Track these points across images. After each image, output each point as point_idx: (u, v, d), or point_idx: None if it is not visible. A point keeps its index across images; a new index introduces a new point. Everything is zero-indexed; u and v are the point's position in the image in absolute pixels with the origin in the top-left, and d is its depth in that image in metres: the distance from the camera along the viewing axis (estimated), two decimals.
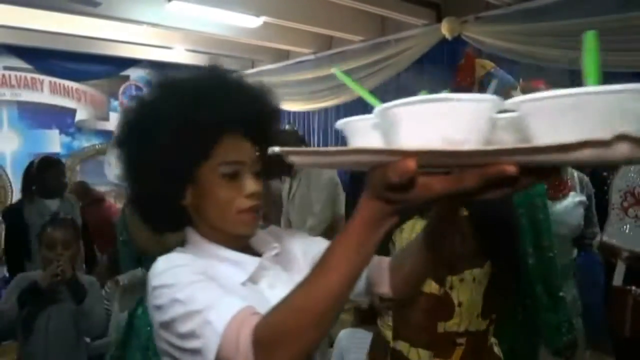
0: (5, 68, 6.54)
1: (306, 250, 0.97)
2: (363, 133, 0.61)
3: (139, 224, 1.00)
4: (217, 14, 4.99)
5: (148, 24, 5.25)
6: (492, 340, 1.45)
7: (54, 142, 6.89)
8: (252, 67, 7.54)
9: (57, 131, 6.95)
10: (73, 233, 2.27)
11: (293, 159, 0.60)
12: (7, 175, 6.34)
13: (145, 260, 1.82)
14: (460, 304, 1.37)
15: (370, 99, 0.62)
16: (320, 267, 0.63)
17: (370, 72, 5.47)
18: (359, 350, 1.90)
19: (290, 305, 0.65)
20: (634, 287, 1.95)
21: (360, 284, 0.93)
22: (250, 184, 0.88)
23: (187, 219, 0.92)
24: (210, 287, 0.76)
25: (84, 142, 7.03)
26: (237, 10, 4.94)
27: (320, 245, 0.91)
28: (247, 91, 0.95)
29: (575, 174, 2.45)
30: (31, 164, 3.41)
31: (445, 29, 4.61)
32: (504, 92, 1.60)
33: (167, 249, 0.86)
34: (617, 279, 2.02)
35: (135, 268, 2.03)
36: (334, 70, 0.70)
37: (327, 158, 0.61)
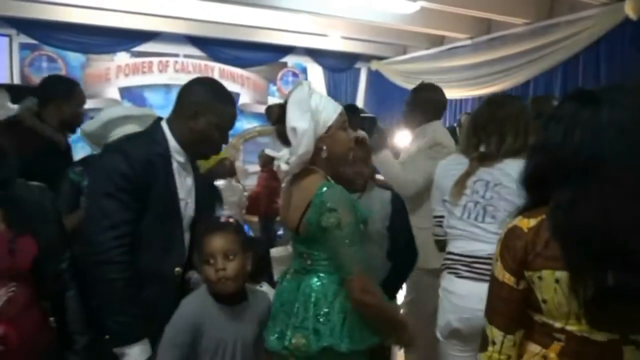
0: (185, 56, 7.36)
1: None
2: None
3: None
4: (375, 1, 5.00)
5: (307, 12, 5.48)
6: None
7: None
8: (404, 53, 7.45)
9: None
10: None
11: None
12: None
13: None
14: None
15: None
16: None
17: (534, 58, 5.04)
18: None
19: None
20: None
21: None
22: None
23: None
24: None
25: (245, 124, 7.63)
26: None
27: None
28: None
29: None
30: None
31: (629, 8, 4.04)
32: None
33: None
34: None
35: None
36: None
37: None
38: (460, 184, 1.88)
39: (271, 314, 1.65)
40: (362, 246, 1.54)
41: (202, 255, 1.53)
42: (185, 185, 1.69)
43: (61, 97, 2.50)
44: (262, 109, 7.72)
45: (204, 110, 1.62)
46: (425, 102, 2.82)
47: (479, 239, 1.83)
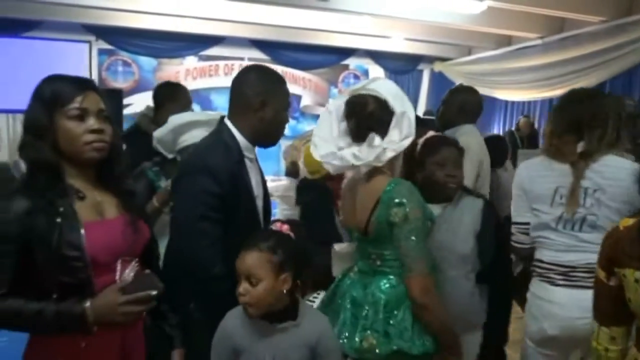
0: (250, 59, 7.54)
1: None
2: None
3: None
4: (440, 1, 4.90)
5: (370, 14, 5.46)
6: None
7: None
8: (469, 54, 7.26)
9: None
10: None
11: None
12: None
13: None
14: None
15: None
16: None
17: (610, 58, 4.76)
18: None
19: None
20: None
21: None
22: None
23: None
24: None
25: (306, 126, 7.72)
26: None
27: None
28: None
29: None
30: None
31: None
32: None
33: None
34: None
35: None
36: None
37: None
38: (574, 193, 1.69)
39: (335, 311, 1.62)
40: (428, 245, 1.51)
41: None
42: (257, 181, 1.69)
43: (168, 100, 2.68)
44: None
45: (270, 98, 1.61)
46: (460, 104, 2.75)
47: (575, 249, 1.70)
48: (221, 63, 7.44)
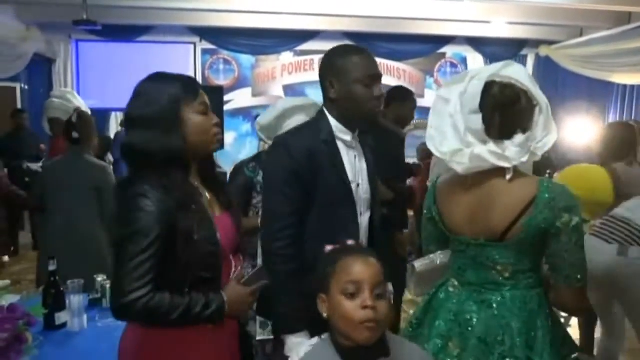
0: None
1: None
2: None
3: None
4: None
5: None
6: None
7: None
8: (580, 35, 6.68)
9: None
10: None
11: None
12: None
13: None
14: None
15: None
16: None
17: None
18: None
19: None
20: None
21: None
22: None
23: None
24: None
25: None
26: None
27: None
28: None
29: None
30: None
31: None
32: None
33: None
34: None
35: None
36: None
37: None
38: None
39: (436, 334, 1.42)
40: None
41: (328, 281, 1.12)
42: (355, 167, 1.62)
43: (398, 101, 3.12)
44: (419, 102, 7.59)
45: (333, 75, 1.55)
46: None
47: None
48: (316, 57, 7.54)
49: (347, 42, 7.30)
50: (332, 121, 1.59)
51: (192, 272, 1.22)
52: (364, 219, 1.65)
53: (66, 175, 2.72)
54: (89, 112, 3.43)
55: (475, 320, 1.37)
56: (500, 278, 1.36)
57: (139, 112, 1.25)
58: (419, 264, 1.70)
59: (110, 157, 6.04)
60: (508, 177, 1.32)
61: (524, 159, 1.31)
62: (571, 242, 1.29)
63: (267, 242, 1.53)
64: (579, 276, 1.30)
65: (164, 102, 1.24)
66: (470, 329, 1.37)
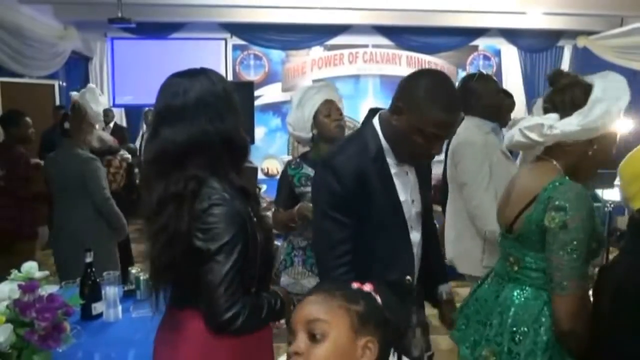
0: (374, 46, 7.52)
1: None
2: None
3: None
4: None
5: None
6: None
7: None
8: (621, 25, 6.43)
9: None
10: None
11: None
12: None
13: None
14: None
15: None
16: None
17: None
18: None
19: None
20: None
21: None
22: None
23: None
24: None
25: None
26: None
27: None
28: None
29: None
30: None
31: None
32: None
33: None
34: None
35: None
36: None
37: None
38: None
39: (464, 314, 1.54)
40: (587, 263, 1.28)
41: None
42: (407, 184, 1.52)
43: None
44: None
45: (409, 107, 1.38)
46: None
47: None
48: (345, 52, 7.51)
49: (377, 35, 7.26)
50: (381, 136, 1.48)
51: (259, 273, 1.24)
52: (415, 235, 1.56)
53: (56, 169, 2.89)
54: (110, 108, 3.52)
55: (482, 303, 1.47)
56: (511, 270, 1.40)
57: (179, 102, 1.20)
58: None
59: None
60: (530, 157, 1.39)
61: (533, 135, 1.31)
62: (555, 243, 1.24)
63: (325, 269, 1.47)
64: (564, 283, 1.23)
65: (215, 89, 1.23)
66: (476, 313, 1.48)
